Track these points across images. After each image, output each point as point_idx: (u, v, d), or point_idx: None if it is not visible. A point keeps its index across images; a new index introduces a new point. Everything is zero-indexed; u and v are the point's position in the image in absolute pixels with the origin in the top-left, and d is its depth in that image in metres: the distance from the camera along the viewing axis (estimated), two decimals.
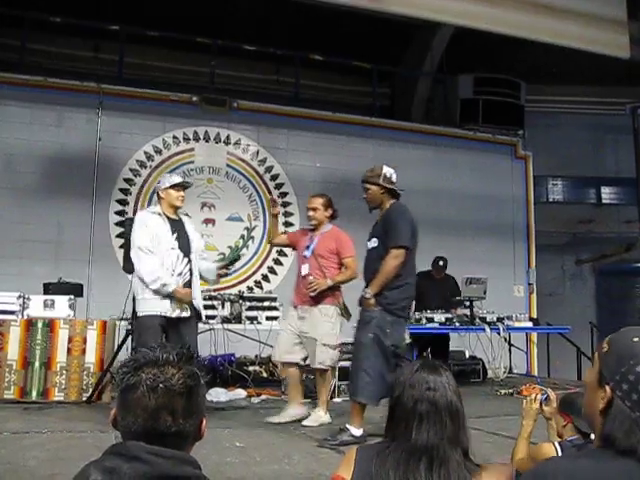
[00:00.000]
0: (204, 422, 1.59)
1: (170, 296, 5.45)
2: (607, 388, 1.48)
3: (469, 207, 11.01)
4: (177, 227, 5.73)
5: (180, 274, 5.59)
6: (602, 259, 14.12)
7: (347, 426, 4.83)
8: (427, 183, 10.83)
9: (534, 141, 11.85)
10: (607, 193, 13.32)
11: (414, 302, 8.55)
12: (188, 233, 5.81)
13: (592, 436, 3.24)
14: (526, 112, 11.83)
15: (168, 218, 5.71)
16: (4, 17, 9.28)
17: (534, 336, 11.09)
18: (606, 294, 14.29)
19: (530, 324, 9.30)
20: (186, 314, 5.57)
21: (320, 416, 5.60)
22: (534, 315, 10.86)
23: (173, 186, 5.74)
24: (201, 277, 5.88)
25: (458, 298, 8.65)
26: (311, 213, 6.00)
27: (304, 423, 5.47)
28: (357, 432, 4.78)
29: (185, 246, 5.70)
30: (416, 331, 8.38)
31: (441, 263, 9.14)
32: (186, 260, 5.66)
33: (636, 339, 1.50)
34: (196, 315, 5.73)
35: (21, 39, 9.59)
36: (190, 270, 5.70)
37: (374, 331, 4.91)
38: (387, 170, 5.34)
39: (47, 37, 9.94)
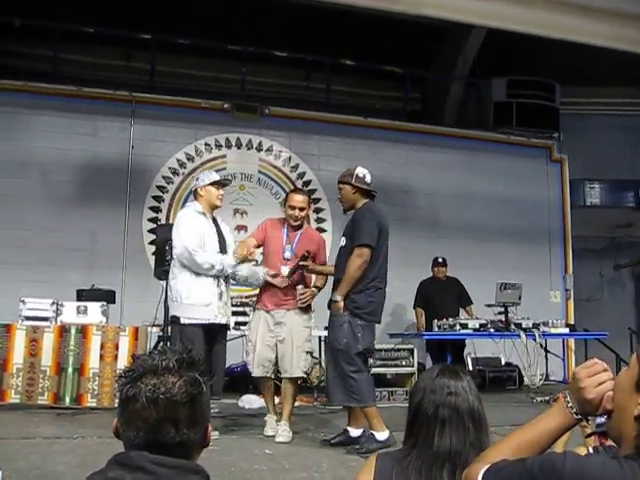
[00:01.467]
0: (209, 429, 1.53)
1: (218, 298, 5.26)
2: None
3: (504, 212, 10.87)
4: (217, 228, 5.51)
5: (226, 278, 5.40)
6: None
7: (372, 432, 4.78)
8: (460, 187, 10.73)
9: (570, 144, 11.67)
10: None
11: (424, 309, 8.67)
12: (224, 234, 5.56)
13: None
14: (561, 114, 11.66)
15: (215, 222, 5.51)
16: (38, 29, 9.41)
17: (571, 342, 10.91)
18: None
19: (567, 330, 9.13)
20: (224, 321, 5.36)
21: (288, 430, 5.20)
22: (571, 321, 10.68)
23: (213, 183, 5.45)
24: (246, 283, 5.71)
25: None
26: (298, 213, 5.54)
27: (279, 440, 5.05)
28: (382, 436, 4.74)
29: (224, 249, 5.45)
30: (448, 337, 8.32)
31: (440, 260, 9.10)
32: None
33: None
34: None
35: (54, 50, 9.71)
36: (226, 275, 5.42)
37: (346, 336, 4.89)
38: (360, 170, 5.30)
39: (80, 47, 10.05)
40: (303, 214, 5.59)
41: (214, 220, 5.51)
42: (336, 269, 5.25)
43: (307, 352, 5.46)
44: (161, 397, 1.42)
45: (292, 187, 10.31)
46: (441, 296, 8.93)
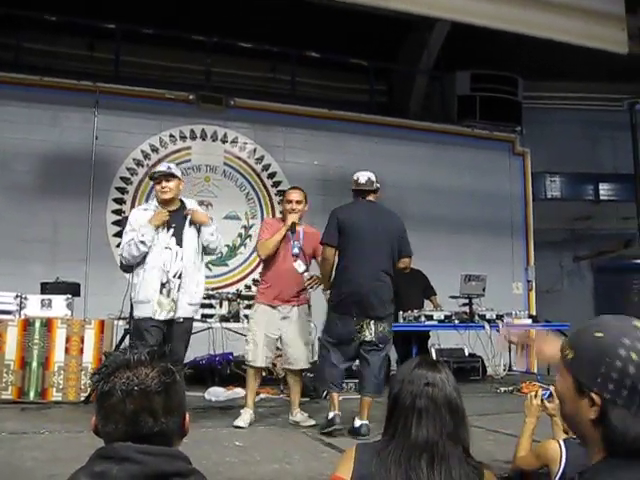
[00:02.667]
0: (187, 417, 1.57)
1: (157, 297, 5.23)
2: (593, 395, 1.38)
3: (467, 204, 10.98)
4: (174, 221, 5.33)
5: (176, 275, 5.25)
6: (600, 256, 14.11)
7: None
8: (424, 180, 10.82)
9: (532, 137, 11.82)
10: (605, 190, 13.30)
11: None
12: (185, 225, 5.35)
13: None
14: (524, 108, 11.80)
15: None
16: (0, 17, 9.23)
17: (533, 333, 11.06)
18: (604, 291, 14.26)
19: (529, 321, 9.27)
20: (172, 315, 5.22)
21: (305, 416, 5.64)
22: (533, 312, 10.83)
23: (152, 179, 5.51)
24: (209, 250, 5.50)
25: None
26: (296, 206, 5.70)
27: (303, 424, 5.47)
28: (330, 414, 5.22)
29: (180, 241, 5.32)
30: (414, 329, 8.41)
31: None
32: (181, 257, 5.29)
33: (598, 334, 1.41)
34: (189, 317, 5.42)
35: (17, 38, 9.54)
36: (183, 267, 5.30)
37: (324, 327, 5.45)
38: (356, 174, 5.70)
39: (43, 36, 9.89)
40: (300, 207, 5.74)
41: (177, 212, 5.40)
42: None
43: (309, 344, 5.82)
44: (135, 389, 1.45)
45: (257, 179, 10.31)
46: (406, 288, 8.97)
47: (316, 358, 6.70)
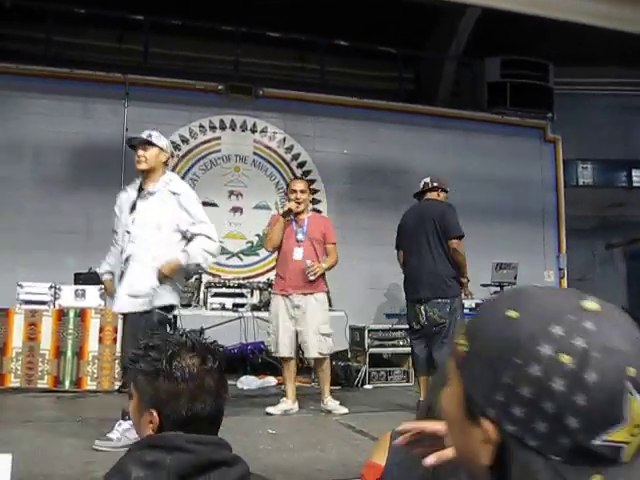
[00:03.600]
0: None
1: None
2: (484, 422, 0.81)
3: (498, 192, 10.88)
4: (143, 202, 4.62)
5: (127, 260, 4.52)
6: (633, 243, 13.92)
7: None
8: (454, 168, 10.71)
9: (563, 124, 11.66)
10: (638, 176, 13.08)
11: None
12: (150, 205, 4.58)
13: None
14: (555, 95, 11.64)
15: (142, 191, 4.67)
16: (29, 10, 9.32)
17: None
18: (637, 278, 14.10)
19: None
20: (116, 309, 4.69)
21: (336, 403, 5.68)
22: None
23: (131, 147, 4.83)
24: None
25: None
26: (300, 195, 5.88)
27: (341, 412, 5.52)
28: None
29: (140, 222, 4.57)
30: None
31: None
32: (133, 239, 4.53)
33: (511, 313, 0.82)
34: (145, 309, 4.43)
35: (46, 32, 9.62)
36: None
37: None
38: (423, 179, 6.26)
39: (72, 29, 9.96)
40: (304, 196, 5.90)
41: (152, 193, 4.65)
42: None
43: (323, 334, 5.70)
44: (211, 365, 1.52)
45: (287, 169, 10.32)
46: None
47: (337, 347, 6.83)
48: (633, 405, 0.75)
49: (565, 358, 0.76)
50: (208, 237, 4.56)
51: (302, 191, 5.90)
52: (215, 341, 1.61)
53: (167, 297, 4.47)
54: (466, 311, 8.22)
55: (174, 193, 4.61)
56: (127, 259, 4.48)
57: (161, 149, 4.77)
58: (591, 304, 0.84)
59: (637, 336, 0.82)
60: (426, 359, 5.62)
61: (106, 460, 1.53)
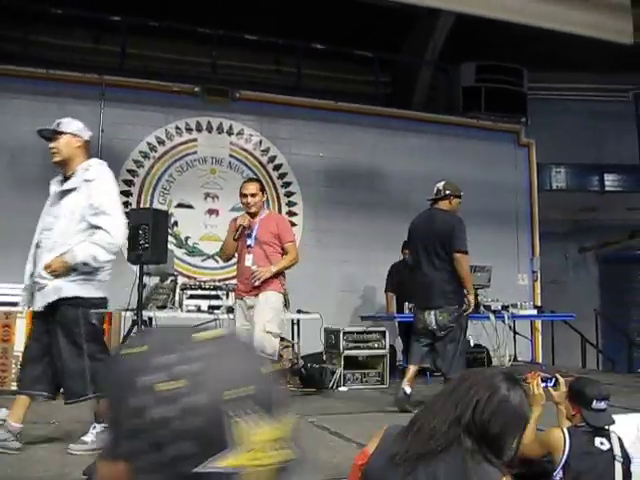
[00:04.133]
0: None
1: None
2: (118, 464, 0.79)
3: (472, 195, 10.84)
4: (60, 193, 4.39)
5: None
6: (606, 247, 14.12)
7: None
8: (429, 171, 10.76)
9: (537, 128, 11.82)
10: (610, 180, 13.28)
11: (396, 292, 9.20)
12: (66, 195, 4.34)
13: (607, 426, 3.28)
14: (529, 99, 11.80)
15: (59, 178, 4.46)
16: (6, 9, 9.25)
17: (539, 324, 11.12)
18: (610, 282, 14.31)
19: (534, 312, 9.33)
20: (37, 307, 4.34)
21: None
22: (538, 303, 10.87)
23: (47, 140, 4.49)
24: None
25: None
26: (250, 199, 5.79)
27: None
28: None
29: (54, 213, 4.39)
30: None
31: None
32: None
33: (135, 350, 0.83)
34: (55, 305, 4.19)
35: (23, 31, 9.57)
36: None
37: None
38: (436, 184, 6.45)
39: (49, 29, 9.91)
40: (256, 200, 5.82)
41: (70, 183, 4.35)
42: None
43: (268, 332, 5.55)
44: None
45: (263, 171, 10.34)
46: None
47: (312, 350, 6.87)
48: (240, 429, 0.76)
49: (165, 386, 0.77)
50: (107, 231, 4.15)
51: (253, 195, 5.80)
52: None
53: (74, 289, 4.17)
54: None
55: (88, 180, 4.30)
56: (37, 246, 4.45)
57: (73, 135, 4.44)
58: (204, 334, 0.86)
59: (250, 362, 0.86)
60: (425, 353, 5.98)
61: (81, 463, 1.57)
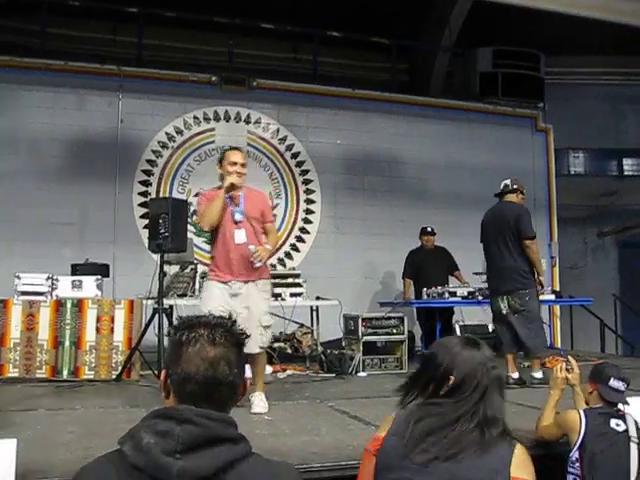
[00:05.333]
0: (247, 381, 1.75)
1: None
2: None
3: (489, 181, 10.82)
4: None
5: None
6: (624, 231, 14.04)
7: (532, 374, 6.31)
8: (447, 158, 10.84)
9: (555, 113, 11.76)
10: (629, 165, 13.21)
11: (413, 279, 9.29)
12: None
13: (620, 405, 3.32)
14: (546, 84, 11.72)
15: None
16: (24, 3, 9.35)
17: (557, 309, 11.10)
18: (629, 266, 14.23)
19: (553, 297, 9.32)
20: None
21: (264, 401, 4.97)
22: (557, 288, 10.85)
23: None
24: None
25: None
26: (240, 169, 5.08)
27: (255, 411, 4.84)
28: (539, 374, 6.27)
29: None
30: (437, 305, 8.52)
31: (429, 229, 9.31)
32: None
33: None
34: None
35: (41, 24, 9.66)
36: None
37: None
38: (504, 181, 6.81)
39: (66, 21, 9.99)
40: (245, 170, 5.15)
41: None
42: None
43: (265, 326, 5.10)
44: (218, 339, 1.63)
45: (281, 159, 10.37)
46: (430, 265, 9.10)
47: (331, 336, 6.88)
48: None
49: None
50: None
51: (243, 164, 5.12)
52: (238, 325, 1.73)
53: None
54: (458, 299, 8.44)
55: None
56: None
57: None
58: None
59: None
60: (510, 339, 6.37)
61: (105, 445, 1.64)
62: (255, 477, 1.55)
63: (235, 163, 5.07)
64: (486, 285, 8.65)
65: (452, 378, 2.15)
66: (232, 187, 5.01)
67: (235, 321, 1.72)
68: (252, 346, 4.81)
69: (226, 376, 1.62)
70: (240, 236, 5.01)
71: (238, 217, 5.03)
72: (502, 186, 6.77)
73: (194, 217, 4.83)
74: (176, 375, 1.63)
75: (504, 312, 6.40)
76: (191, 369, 1.60)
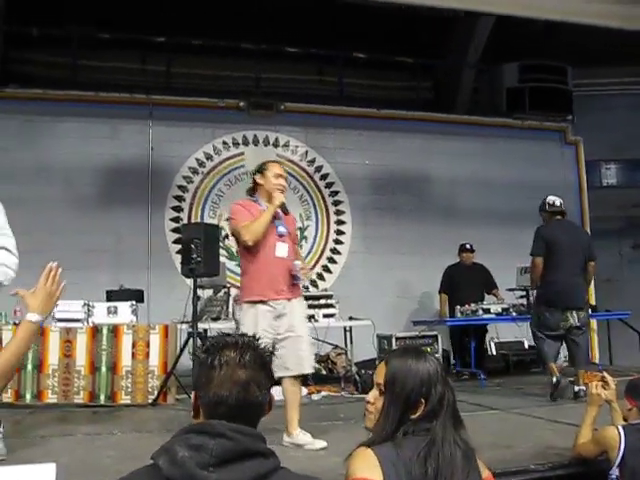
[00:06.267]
0: (273, 397, 1.77)
1: None
2: None
3: (520, 196, 10.89)
4: None
5: None
6: None
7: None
8: (475, 174, 10.81)
9: (584, 126, 11.66)
10: None
11: (448, 294, 9.28)
12: None
13: None
14: (574, 97, 11.64)
15: None
16: (54, 36, 9.57)
17: (594, 323, 10.95)
18: None
19: (589, 311, 9.19)
20: None
21: (309, 436, 4.63)
22: (593, 302, 10.71)
23: None
24: None
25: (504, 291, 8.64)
26: (284, 183, 4.90)
27: (319, 447, 4.51)
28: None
29: None
30: (470, 322, 8.46)
31: (468, 246, 9.25)
32: None
33: None
34: None
35: (71, 56, 9.88)
36: None
37: (535, 319, 6.94)
38: (549, 198, 7.09)
39: (96, 53, 10.18)
40: (286, 184, 4.96)
41: None
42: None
43: (311, 344, 5.02)
44: (248, 362, 1.68)
45: (310, 181, 10.43)
46: (465, 282, 9.05)
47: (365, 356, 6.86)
48: None
49: None
50: (8, 250, 4.10)
51: (285, 178, 4.95)
52: (264, 345, 1.78)
53: None
54: (492, 316, 8.39)
55: None
56: None
57: None
58: None
59: None
60: (555, 353, 6.78)
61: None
62: None
63: (280, 176, 4.85)
64: (520, 301, 8.64)
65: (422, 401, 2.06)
66: (282, 205, 4.78)
67: (259, 340, 1.77)
68: (307, 366, 4.76)
69: (256, 397, 1.67)
70: (283, 250, 4.76)
71: (282, 230, 4.80)
72: (559, 203, 7.07)
73: (228, 227, 4.39)
74: (208, 398, 1.66)
75: (575, 325, 6.69)
76: (223, 393, 1.64)
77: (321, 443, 4.53)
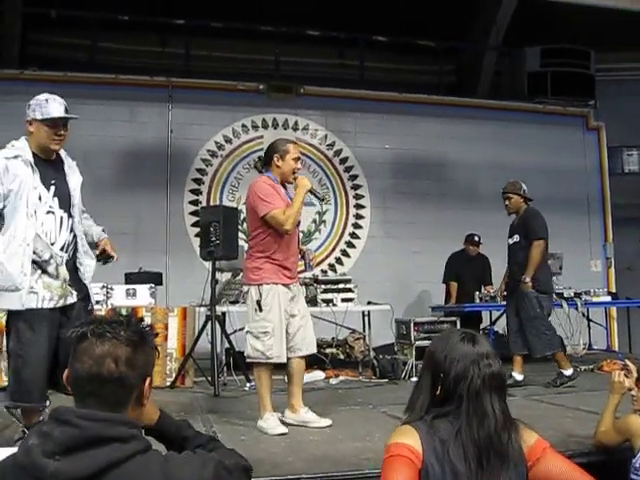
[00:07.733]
0: (148, 382, 1.70)
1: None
2: None
3: (541, 182, 10.74)
4: (53, 173, 3.89)
5: (63, 247, 3.86)
6: None
7: (561, 371, 6.37)
8: (497, 159, 10.70)
9: (606, 111, 11.52)
10: None
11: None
12: (68, 179, 3.99)
13: None
14: (597, 81, 11.50)
15: (39, 160, 3.82)
16: (73, 19, 9.56)
17: (614, 311, 10.87)
18: None
19: (609, 299, 9.12)
20: (60, 303, 3.77)
21: (315, 415, 4.65)
22: (613, 289, 10.63)
23: (46, 120, 3.82)
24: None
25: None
26: (300, 165, 4.91)
27: (324, 425, 4.53)
28: (569, 372, 6.36)
29: (65, 201, 3.90)
30: (490, 308, 8.43)
31: (477, 238, 9.18)
32: (69, 222, 3.91)
33: None
34: (84, 298, 3.99)
35: (91, 39, 9.86)
36: (75, 237, 3.97)
37: (538, 307, 6.44)
38: (524, 185, 7.02)
39: (115, 35, 10.16)
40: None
41: (56, 162, 3.99)
42: (510, 260, 6.91)
43: None
44: (107, 335, 1.62)
45: (329, 165, 10.38)
46: (467, 273, 9.05)
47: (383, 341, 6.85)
48: None
49: None
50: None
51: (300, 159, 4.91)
52: (145, 323, 1.75)
53: None
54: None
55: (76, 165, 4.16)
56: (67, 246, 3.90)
57: None
58: None
59: None
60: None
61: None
62: (143, 476, 1.53)
63: (299, 159, 4.85)
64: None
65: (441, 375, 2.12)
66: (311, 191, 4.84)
67: (140, 317, 1.75)
68: (311, 346, 4.82)
69: (111, 374, 1.59)
70: (297, 236, 4.88)
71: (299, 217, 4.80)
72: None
73: (258, 206, 4.27)
74: (69, 372, 1.64)
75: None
76: (77, 366, 1.61)
77: (326, 421, 4.57)
